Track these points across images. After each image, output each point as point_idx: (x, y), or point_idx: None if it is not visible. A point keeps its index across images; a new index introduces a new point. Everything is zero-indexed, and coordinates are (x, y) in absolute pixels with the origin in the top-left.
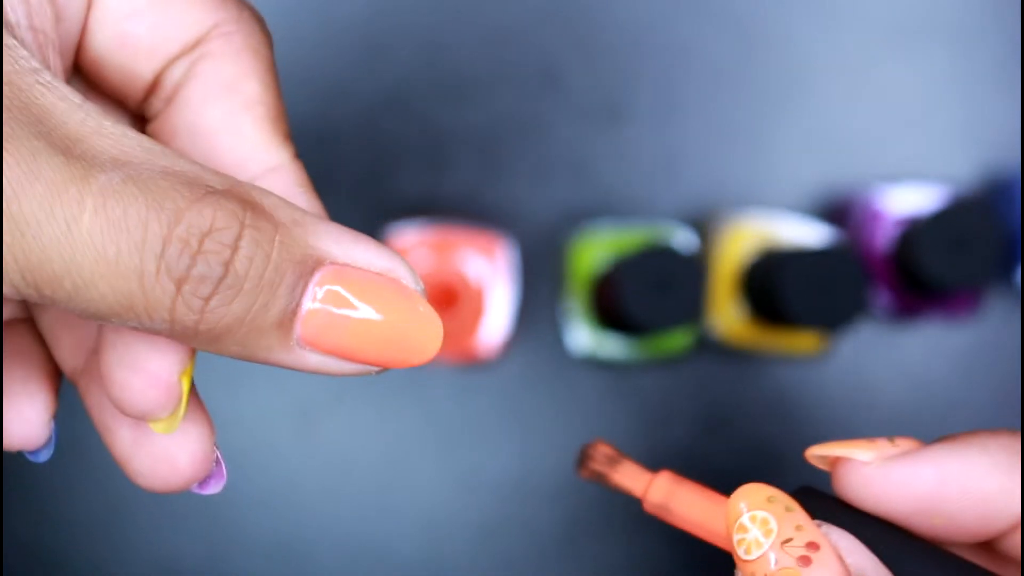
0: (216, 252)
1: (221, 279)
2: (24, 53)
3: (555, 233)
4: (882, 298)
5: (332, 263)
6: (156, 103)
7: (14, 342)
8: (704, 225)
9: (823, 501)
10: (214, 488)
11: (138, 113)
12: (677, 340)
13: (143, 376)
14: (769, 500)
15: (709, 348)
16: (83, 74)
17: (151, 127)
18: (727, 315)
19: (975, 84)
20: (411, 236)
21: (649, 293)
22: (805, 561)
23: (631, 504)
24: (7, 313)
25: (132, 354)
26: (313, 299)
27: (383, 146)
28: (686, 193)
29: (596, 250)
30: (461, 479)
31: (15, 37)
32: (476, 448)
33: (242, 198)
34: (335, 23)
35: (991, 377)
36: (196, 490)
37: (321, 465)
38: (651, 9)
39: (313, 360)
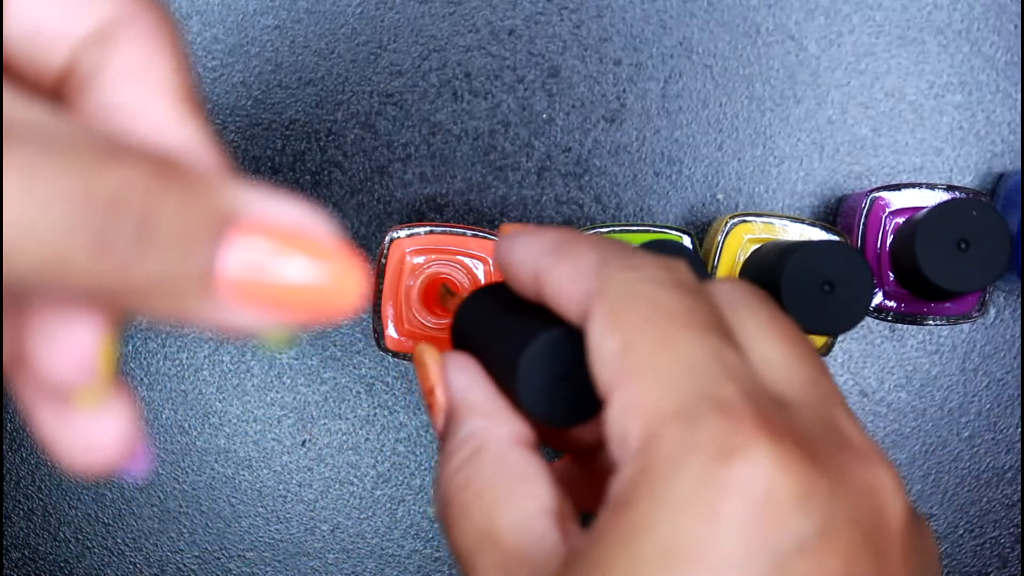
0: (131, 209)
1: (138, 236)
2: None
3: None
4: (882, 298)
5: (248, 217)
6: (71, 91)
7: None
8: (704, 225)
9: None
10: (137, 473)
11: (56, 102)
12: None
13: (63, 347)
14: (423, 351)
15: None
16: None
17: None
18: None
19: (975, 84)
20: (414, 240)
21: None
22: (431, 407)
23: None
24: None
25: (52, 326)
26: (231, 253)
27: (383, 146)
28: (686, 193)
29: None
30: None
31: None
32: None
33: (154, 158)
34: (335, 23)
35: (991, 377)
36: (121, 475)
37: (321, 465)
38: (651, 9)
39: (237, 315)
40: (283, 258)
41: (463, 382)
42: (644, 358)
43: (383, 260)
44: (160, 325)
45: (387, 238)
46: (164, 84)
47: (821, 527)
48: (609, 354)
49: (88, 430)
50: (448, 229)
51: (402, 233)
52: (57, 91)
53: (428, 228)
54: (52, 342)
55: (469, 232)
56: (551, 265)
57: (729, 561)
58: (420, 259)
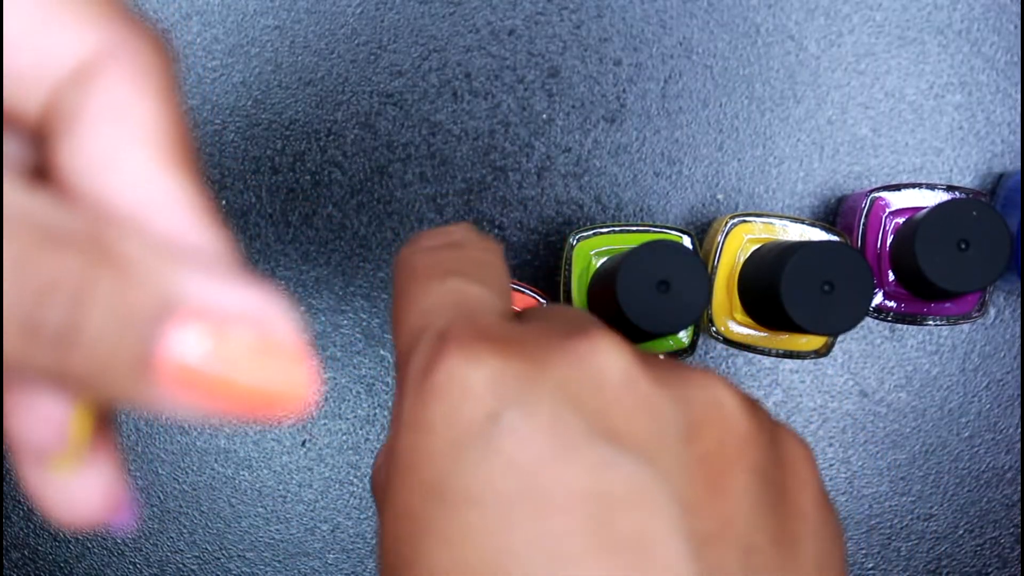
0: (61, 297)
1: (67, 325)
2: None
3: (555, 233)
4: (882, 298)
5: (190, 306)
6: (52, 133)
7: None
8: (704, 225)
9: None
10: (122, 526)
11: (37, 146)
12: (676, 339)
13: (33, 417)
14: None
15: (708, 348)
16: None
17: (48, 158)
18: (727, 315)
19: (975, 84)
20: None
21: (649, 295)
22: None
23: None
24: None
25: (21, 396)
26: (169, 342)
27: (383, 146)
28: (686, 193)
29: (596, 251)
30: None
31: None
32: None
33: (92, 244)
34: (335, 24)
35: (991, 377)
36: (106, 529)
37: (321, 465)
38: (651, 9)
39: (177, 405)
40: (225, 349)
41: None
42: (397, 311)
43: None
44: (115, 405)
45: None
46: (145, 129)
47: (518, 403)
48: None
49: (67, 489)
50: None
51: None
52: (39, 134)
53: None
54: (23, 411)
55: (514, 286)
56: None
57: (439, 463)
58: None
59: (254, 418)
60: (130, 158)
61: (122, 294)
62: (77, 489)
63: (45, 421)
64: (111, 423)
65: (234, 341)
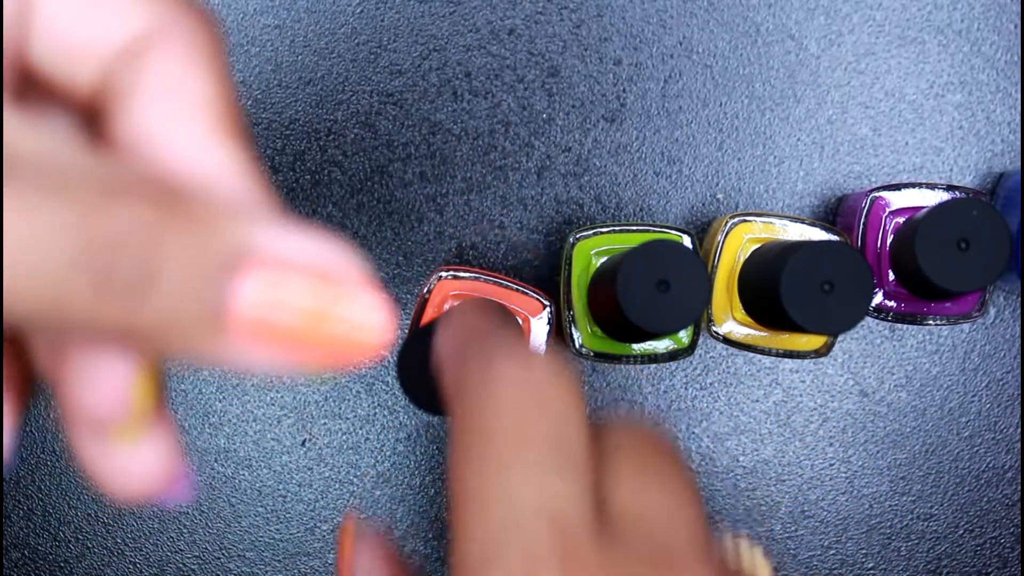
0: (132, 249)
1: (140, 277)
2: None
3: (555, 233)
4: (882, 298)
5: (262, 254)
6: (105, 109)
7: None
8: (704, 225)
9: None
10: (178, 500)
11: (91, 119)
12: (676, 339)
13: (96, 384)
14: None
15: (708, 348)
16: (34, 88)
17: (102, 132)
18: (727, 315)
19: (975, 84)
20: (459, 284)
21: (649, 295)
22: None
23: None
24: None
25: (84, 363)
26: (243, 291)
27: (383, 146)
28: (686, 193)
29: (596, 251)
30: None
31: None
32: None
33: (161, 197)
34: (335, 23)
35: (991, 377)
36: (161, 502)
37: (321, 465)
38: (651, 9)
39: (251, 356)
40: (299, 297)
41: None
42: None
43: (426, 296)
44: (182, 363)
45: (434, 276)
46: (197, 104)
47: None
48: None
49: (127, 460)
50: (496, 280)
51: (448, 275)
52: (92, 108)
53: (475, 275)
54: (85, 379)
55: (514, 286)
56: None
57: None
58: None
59: (329, 366)
60: (186, 129)
61: (194, 245)
62: (134, 460)
63: (108, 388)
64: (166, 392)
65: (306, 288)
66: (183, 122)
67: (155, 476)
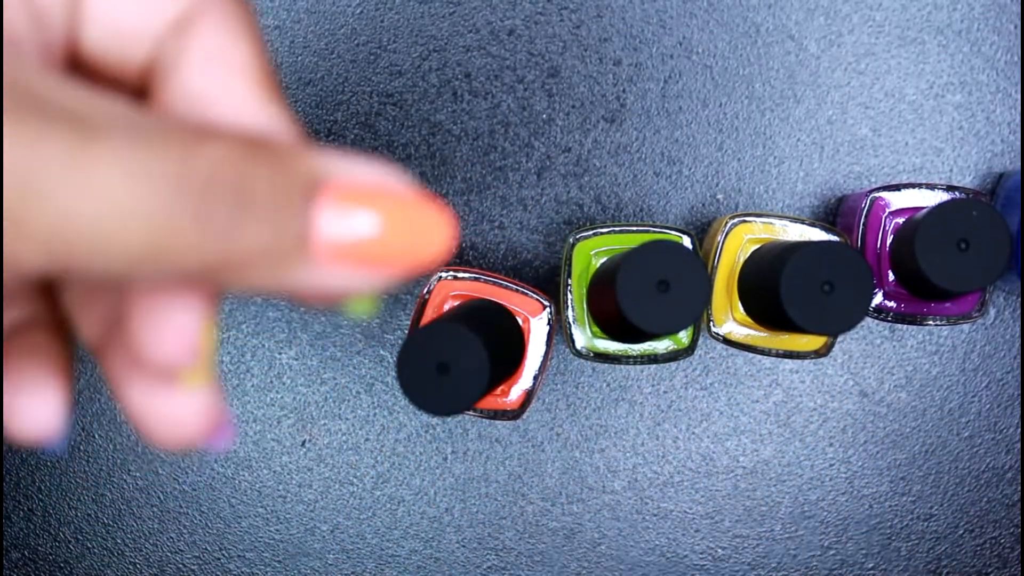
0: (227, 183)
1: (236, 208)
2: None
3: (555, 233)
4: (882, 298)
5: (335, 180)
6: (152, 84)
7: (28, 341)
8: (704, 225)
9: None
10: (224, 445)
11: (137, 97)
12: (676, 339)
13: (167, 330)
14: None
15: (708, 348)
16: (80, 71)
17: (152, 103)
18: (727, 315)
19: (975, 84)
20: (459, 284)
21: (649, 295)
22: None
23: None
24: (15, 318)
25: (155, 310)
26: (324, 215)
27: (383, 146)
28: (686, 193)
29: (596, 251)
30: (461, 478)
31: None
32: (476, 447)
33: (241, 137)
34: (335, 24)
35: (991, 377)
36: (206, 447)
37: (321, 465)
38: (651, 9)
39: (334, 277)
40: (374, 215)
41: None
42: None
43: (426, 297)
44: (256, 297)
45: (434, 277)
46: (243, 68)
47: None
48: None
49: (177, 407)
50: (495, 280)
51: (448, 275)
52: (140, 88)
53: (475, 275)
54: (156, 326)
55: (514, 286)
56: None
57: None
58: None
59: (408, 273)
60: (233, 91)
61: (279, 174)
62: (186, 407)
63: (180, 334)
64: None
65: (378, 205)
66: (232, 83)
67: (204, 423)
